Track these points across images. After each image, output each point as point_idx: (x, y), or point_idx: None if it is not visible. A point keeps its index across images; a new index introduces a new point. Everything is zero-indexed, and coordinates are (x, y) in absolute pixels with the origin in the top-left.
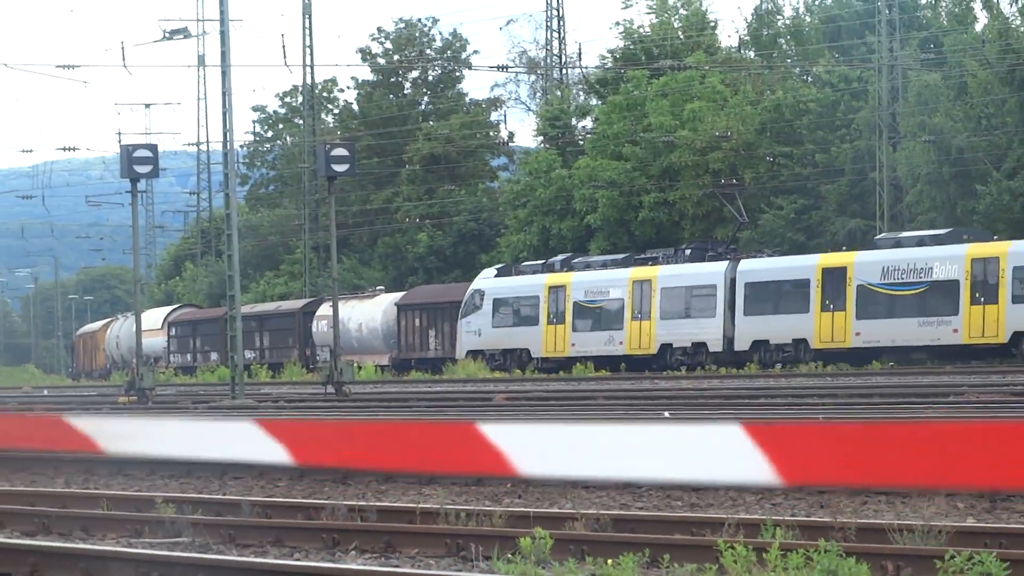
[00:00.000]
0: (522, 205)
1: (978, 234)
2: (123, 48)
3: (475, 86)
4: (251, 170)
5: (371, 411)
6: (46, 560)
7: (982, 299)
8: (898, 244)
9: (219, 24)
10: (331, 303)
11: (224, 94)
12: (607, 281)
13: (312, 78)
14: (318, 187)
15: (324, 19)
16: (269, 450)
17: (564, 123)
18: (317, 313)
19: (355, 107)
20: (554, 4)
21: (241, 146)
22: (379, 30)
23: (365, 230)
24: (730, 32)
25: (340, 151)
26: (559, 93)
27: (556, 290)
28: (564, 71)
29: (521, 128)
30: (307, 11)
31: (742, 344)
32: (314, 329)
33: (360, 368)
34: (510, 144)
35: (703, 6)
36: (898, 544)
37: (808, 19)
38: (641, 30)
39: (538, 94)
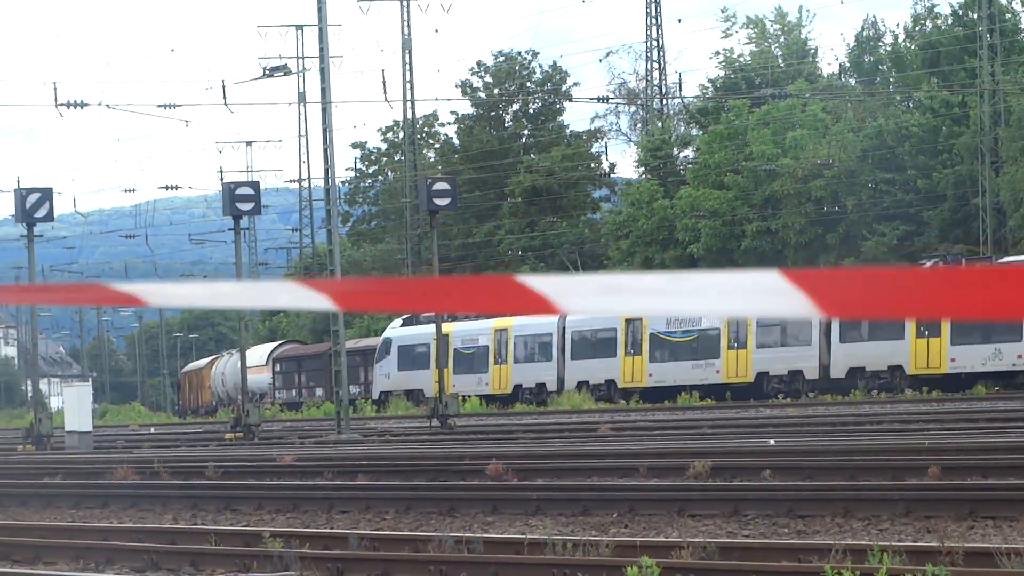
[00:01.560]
0: (624, 236)
1: None
2: (224, 86)
3: (576, 118)
4: (353, 206)
5: (476, 444)
6: None
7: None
8: None
9: (319, 61)
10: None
11: (325, 130)
12: (477, 330)
13: (413, 113)
14: (420, 221)
15: (424, 54)
16: None
17: (665, 153)
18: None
19: (456, 141)
20: (654, 35)
21: (343, 182)
22: (479, 64)
23: (468, 264)
24: (831, 60)
25: (442, 185)
26: (660, 123)
27: (445, 337)
28: (664, 101)
29: (622, 159)
30: (407, 46)
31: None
32: None
33: (465, 400)
34: (611, 175)
35: (803, 34)
36: (1006, 568)
37: (909, 45)
38: (741, 59)
39: (639, 125)
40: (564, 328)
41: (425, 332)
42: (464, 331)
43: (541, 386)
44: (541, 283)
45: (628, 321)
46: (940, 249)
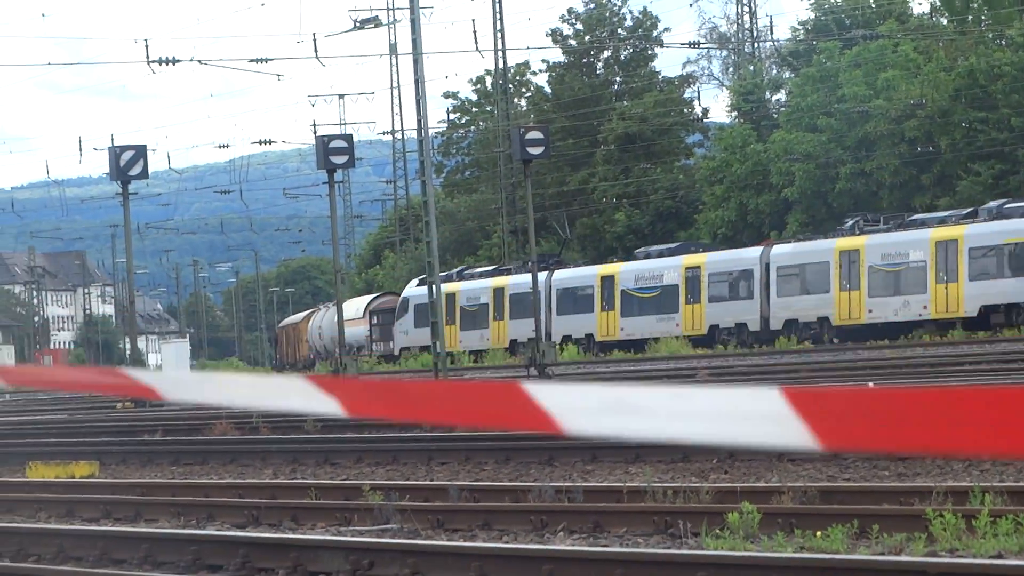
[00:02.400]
0: (718, 181)
1: None
2: (315, 39)
3: (667, 64)
4: (446, 157)
5: None
6: (257, 551)
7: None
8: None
9: (409, 12)
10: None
11: (417, 81)
12: (479, 289)
13: (504, 62)
14: (514, 171)
15: (514, 3)
16: None
17: (758, 97)
18: None
19: (548, 90)
20: None
21: (436, 133)
22: (569, 11)
23: (562, 212)
24: None
25: (535, 134)
26: (751, 67)
27: (452, 296)
28: (756, 45)
29: (715, 104)
30: None
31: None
32: None
33: (563, 349)
34: (704, 120)
35: None
36: None
37: None
38: (832, 1)
39: (730, 69)
40: (551, 286)
41: (472, 286)
42: (468, 290)
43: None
44: (546, 397)
45: (603, 278)
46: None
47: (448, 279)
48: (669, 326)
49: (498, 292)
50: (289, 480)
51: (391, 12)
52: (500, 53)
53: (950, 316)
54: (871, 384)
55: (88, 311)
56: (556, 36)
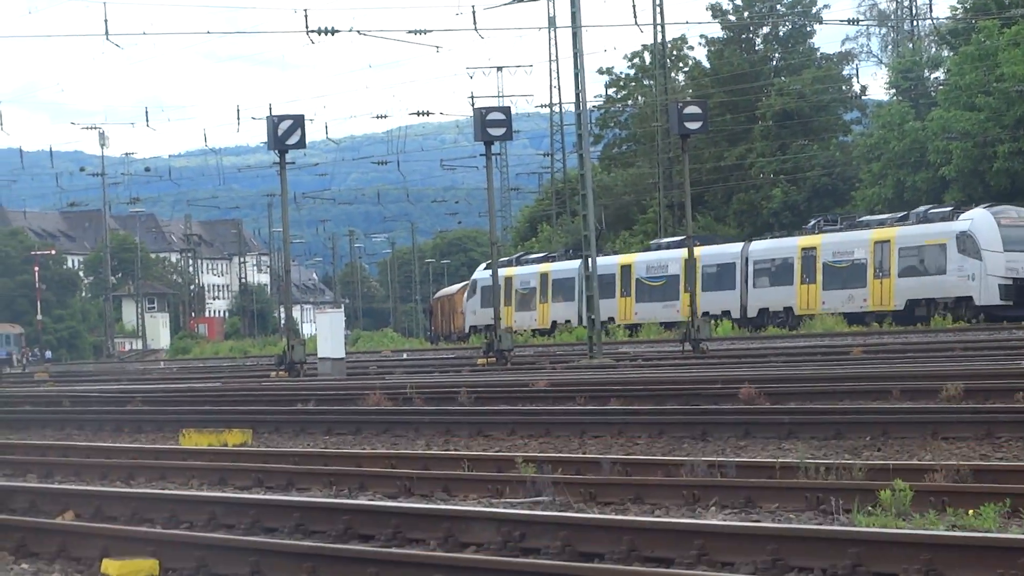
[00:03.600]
0: (876, 158)
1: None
2: (474, 11)
3: (826, 40)
4: (604, 130)
5: (728, 368)
6: (409, 522)
7: None
8: None
9: None
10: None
11: (576, 55)
12: (529, 274)
13: (663, 36)
14: (671, 145)
15: None
16: None
17: (916, 75)
18: None
19: (706, 64)
20: None
21: (594, 107)
22: None
23: (719, 187)
24: None
25: (693, 109)
26: (911, 45)
27: (509, 280)
28: (915, 23)
29: (873, 81)
30: None
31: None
32: None
33: (718, 324)
34: (862, 98)
35: None
36: None
37: None
38: None
39: (889, 47)
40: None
41: (502, 275)
42: (521, 274)
43: (567, 321)
44: None
45: (622, 267)
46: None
47: (508, 264)
48: (671, 312)
49: (543, 277)
50: (442, 451)
51: None
52: (659, 27)
53: (884, 309)
54: None
55: (243, 280)
56: (716, 11)
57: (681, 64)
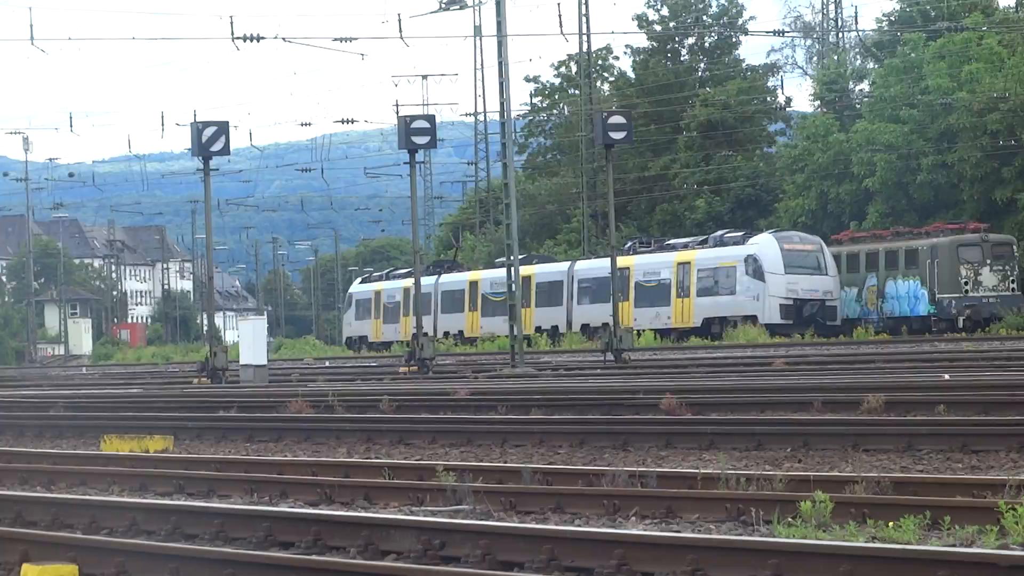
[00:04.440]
0: (800, 170)
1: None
2: (400, 20)
3: (751, 51)
4: (529, 139)
5: (650, 378)
6: (329, 529)
7: None
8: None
9: None
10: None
11: (501, 64)
12: (396, 289)
13: (589, 46)
14: (595, 155)
15: None
16: None
17: (841, 87)
18: None
19: (631, 74)
20: None
21: (519, 116)
22: None
23: (643, 197)
24: None
25: (617, 119)
26: (836, 57)
27: (378, 294)
28: (840, 35)
29: (798, 93)
30: None
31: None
32: None
33: (640, 334)
34: (787, 109)
35: None
36: None
37: None
38: None
39: (814, 58)
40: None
41: (367, 289)
42: (388, 289)
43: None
44: None
45: (471, 283)
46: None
47: (379, 279)
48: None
49: (407, 292)
50: (363, 459)
51: None
52: (585, 37)
53: (685, 326)
54: (946, 376)
55: (166, 286)
56: (642, 21)
57: (606, 74)
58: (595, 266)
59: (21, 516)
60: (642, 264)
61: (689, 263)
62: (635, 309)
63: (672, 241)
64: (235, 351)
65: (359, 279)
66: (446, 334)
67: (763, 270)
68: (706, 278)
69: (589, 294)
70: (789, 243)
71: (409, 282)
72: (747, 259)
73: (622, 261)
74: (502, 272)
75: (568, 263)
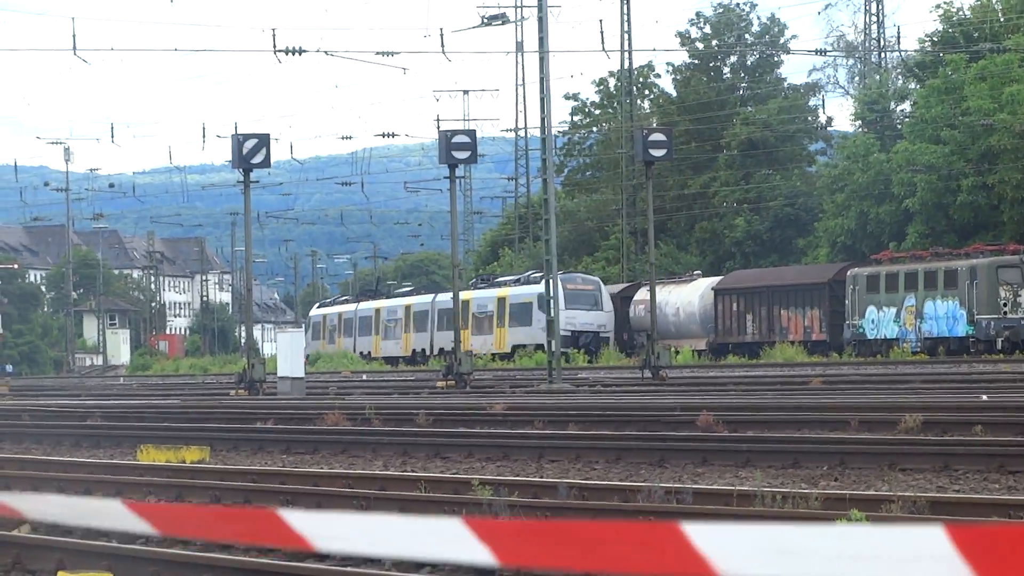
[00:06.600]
0: (840, 189)
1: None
2: (442, 34)
3: (793, 71)
4: (568, 157)
5: (687, 395)
6: None
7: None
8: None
9: (537, 10)
10: (648, 288)
11: (542, 80)
12: (350, 312)
13: (630, 63)
14: (635, 172)
15: (642, 4)
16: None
17: (882, 107)
18: (635, 298)
19: (672, 92)
20: None
21: (559, 132)
22: (698, 15)
23: (682, 215)
24: None
25: (658, 136)
26: (877, 77)
27: (330, 317)
28: (882, 55)
29: (839, 112)
30: None
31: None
32: (631, 313)
33: (677, 352)
34: (828, 128)
35: None
36: None
37: None
38: (960, 13)
39: (856, 78)
40: (435, 306)
41: (327, 312)
42: (332, 313)
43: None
44: (704, 537)
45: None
46: None
47: (345, 303)
48: (488, 343)
49: (377, 313)
50: (399, 472)
51: (519, 9)
52: (627, 54)
53: (501, 351)
54: (984, 397)
55: (205, 298)
56: (684, 39)
57: (647, 91)
58: (443, 299)
59: (57, 525)
60: (476, 298)
61: (505, 298)
62: (472, 336)
63: (500, 279)
64: (273, 363)
65: (317, 304)
66: (441, 350)
67: None
68: (515, 311)
69: (446, 320)
70: (572, 283)
71: (349, 307)
72: (539, 296)
73: (464, 295)
74: (488, 293)
75: (432, 296)
